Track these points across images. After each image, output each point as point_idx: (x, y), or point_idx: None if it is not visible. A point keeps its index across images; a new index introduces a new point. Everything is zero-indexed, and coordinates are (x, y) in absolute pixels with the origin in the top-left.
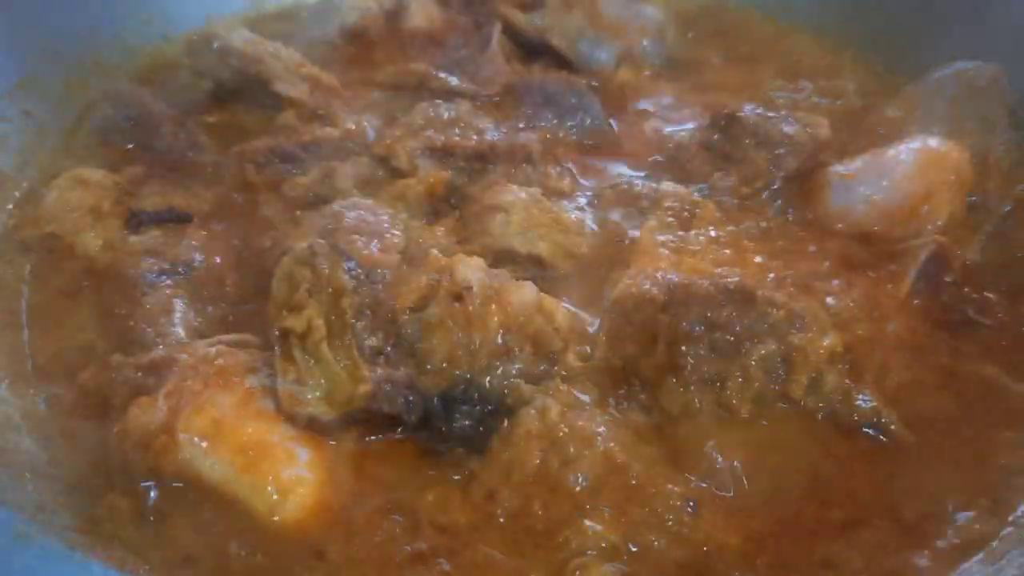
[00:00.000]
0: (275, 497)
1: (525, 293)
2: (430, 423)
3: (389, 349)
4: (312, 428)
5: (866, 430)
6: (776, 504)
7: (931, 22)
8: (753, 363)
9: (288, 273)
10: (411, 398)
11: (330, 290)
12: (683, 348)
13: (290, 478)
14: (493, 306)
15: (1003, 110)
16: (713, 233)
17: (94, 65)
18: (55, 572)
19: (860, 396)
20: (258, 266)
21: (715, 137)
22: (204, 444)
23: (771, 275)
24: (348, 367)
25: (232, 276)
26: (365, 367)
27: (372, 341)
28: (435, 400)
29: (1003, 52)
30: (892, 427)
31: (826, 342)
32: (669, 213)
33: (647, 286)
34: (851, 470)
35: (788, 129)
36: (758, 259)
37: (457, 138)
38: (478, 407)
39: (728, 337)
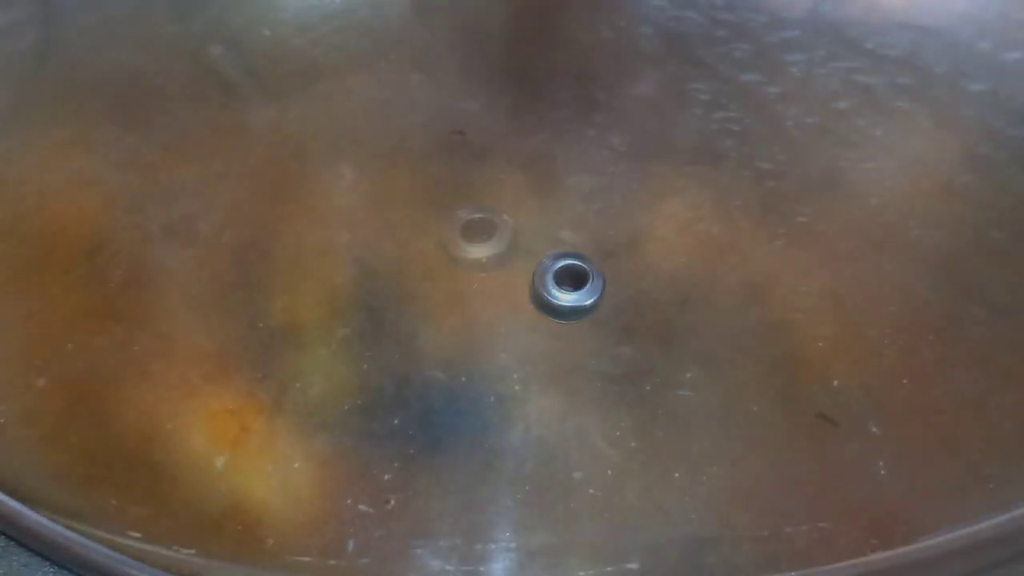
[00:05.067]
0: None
1: (527, 288)
2: (431, 418)
3: (390, 343)
4: (312, 423)
5: (871, 428)
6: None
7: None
8: (755, 360)
9: (287, 267)
10: (412, 393)
11: (329, 284)
12: (685, 345)
13: (290, 473)
14: (495, 300)
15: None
16: (717, 229)
17: (96, 64)
18: (55, 572)
19: (861, 392)
20: (258, 260)
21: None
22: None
23: (772, 271)
24: (348, 361)
25: (233, 270)
26: (365, 361)
27: (372, 335)
28: (436, 395)
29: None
30: (893, 424)
31: (829, 337)
32: (670, 210)
33: (651, 281)
34: (852, 468)
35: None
36: (760, 255)
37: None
38: (479, 402)
39: (730, 333)
